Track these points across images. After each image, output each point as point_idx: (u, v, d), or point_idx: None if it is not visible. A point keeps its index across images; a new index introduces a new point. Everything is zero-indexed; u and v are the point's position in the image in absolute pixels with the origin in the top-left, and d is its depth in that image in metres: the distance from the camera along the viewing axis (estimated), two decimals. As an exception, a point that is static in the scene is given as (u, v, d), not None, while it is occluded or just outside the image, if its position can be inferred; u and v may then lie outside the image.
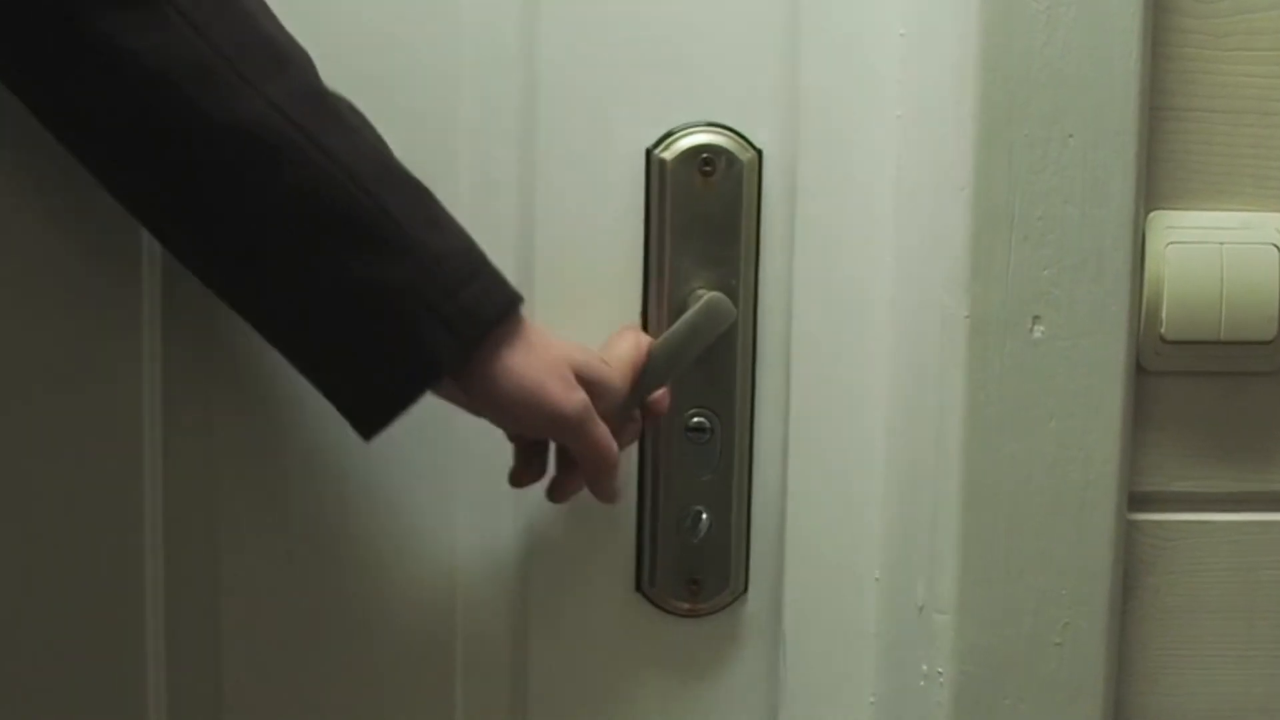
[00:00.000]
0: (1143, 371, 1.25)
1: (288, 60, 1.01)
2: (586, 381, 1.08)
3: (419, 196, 1.02)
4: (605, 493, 1.11)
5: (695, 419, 1.17)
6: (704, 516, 1.19)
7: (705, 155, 1.16)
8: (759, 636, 1.25)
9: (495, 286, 1.02)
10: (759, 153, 1.22)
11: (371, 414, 1.02)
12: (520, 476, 1.11)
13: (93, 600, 1.20)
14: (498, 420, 1.07)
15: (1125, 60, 1.20)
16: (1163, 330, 1.24)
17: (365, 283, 0.97)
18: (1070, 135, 1.20)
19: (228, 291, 1.03)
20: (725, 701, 1.25)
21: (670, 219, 1.17)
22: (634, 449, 1.20)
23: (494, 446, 1.14)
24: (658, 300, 1.19)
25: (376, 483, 1.17)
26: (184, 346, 1.20)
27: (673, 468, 1.18)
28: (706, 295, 1.17)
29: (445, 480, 1.22)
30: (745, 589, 1.25)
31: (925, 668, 1.26)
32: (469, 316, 0.99)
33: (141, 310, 1.21)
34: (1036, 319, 1.22)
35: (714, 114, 1.20)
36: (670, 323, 1.17)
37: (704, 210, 1.17)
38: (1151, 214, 1.24)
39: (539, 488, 1.17)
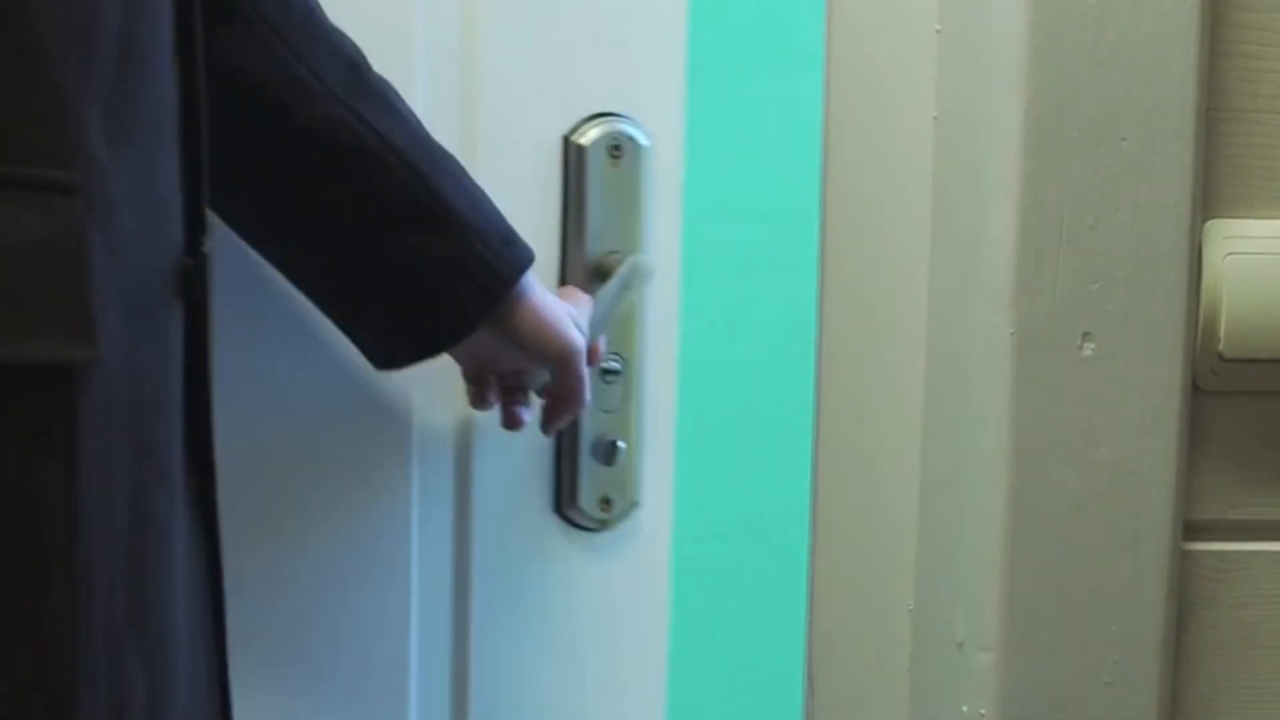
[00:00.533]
0: (1199, 391, 1.18)
1: (352, 63, 1.16)
2: None
3: (458, 174, 1.18)
4: (558, 426, 1.28)
5: (605, 364, 1.35)
6: (619, 445, 1.36)
7: (614, 142, 1.32)
8: (652, 539, 1.41)
9: (518, 249, 1.19)
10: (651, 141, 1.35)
11: (401, 361, 1.21)
12: (480, 402, 1.27)
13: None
14: (514, 350, 1.22)
15: (1182, 58, 1.13)
16: (1220, 347, 1.17)
17: (422, 258, 1.16)
18: (1123, 139, 1.14)
19: (290, 266, 1.20)
20: (626, 590, 1.41)
21: (585, 197, 1.33)
22: None
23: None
24: (574, 267, 1.33)
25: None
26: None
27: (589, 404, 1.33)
28: (631, 257, 1.32)
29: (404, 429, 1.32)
30: (638, 500, 1.39)
31: (966, 709, 1.19)
32: (500, 278, 1.17)
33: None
34: (1086, 336, 1.15)
35: (622, 105, 1.33)
36: (585, 287, 1.32)
37: (614, 189, 1.34)
38: (1209, 223, 1.17)
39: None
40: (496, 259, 1.16)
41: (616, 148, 1.32)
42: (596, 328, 1.28)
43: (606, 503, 1.37)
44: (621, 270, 1.31)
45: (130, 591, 0.94)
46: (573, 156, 1.32)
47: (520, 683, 1.38)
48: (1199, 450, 1.19)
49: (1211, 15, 1.14)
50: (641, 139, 1.32)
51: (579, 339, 1.21)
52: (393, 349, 1.20)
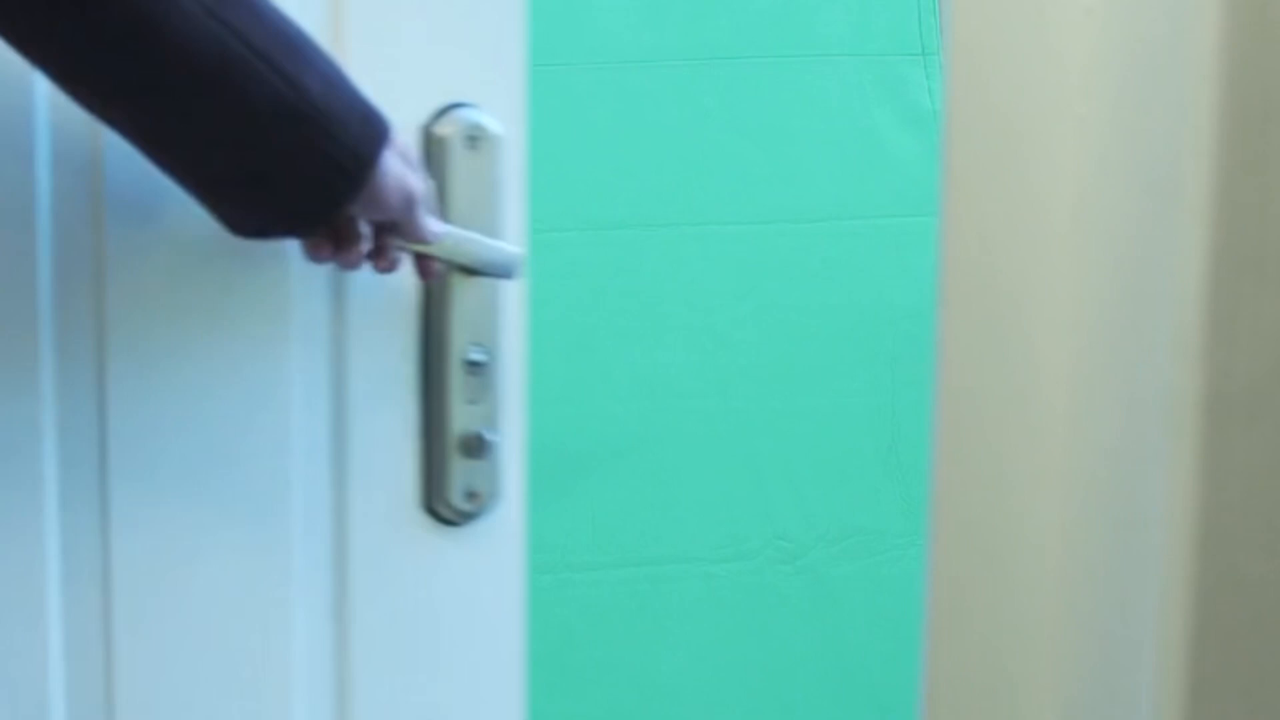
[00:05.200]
0: None
1: None
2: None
3: (313, 58, 1.25)
4: (390, 266, 1.37)
5: (472, 355, 1.41)
6: (486, 437, 1.41)
7: (471, 133, 1.40)
8: (512, 531, 1.46)
9: (375, 124, 1.27)
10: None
11: (260, 234, 1.29)
12: (320, 252, 1.34)
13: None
14: (362, 209, 1.31)
15: None
16: None
17: (288, 152, 1.24)
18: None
19: (147, 150, 1.25)
20: (490, 582, 1.47)
21: (444, 184, 1.40)
22: (417, 381, 1.43)
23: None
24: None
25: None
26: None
27: (454, 397, 1.42)
28: (517, 251, 1.41)
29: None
30: (501, 492, 1.45)
31: None
32: (360, 159, 1.26)
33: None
34: (1295, 396, 0.92)
35: (473, 95, 1.41)
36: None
37: (471, 178, 1.41)
38: None
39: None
40: (357, 142, 1.25)
41: (473, 138, 1.40)
42: (438, 242, 1.36)
43: (473, 496, 1.41)
44: (499, 245, 1.39)
45: None
46: (433, 147, 1.39)
47: (397, 678, 1.42)
48: None
49: None
50: (495, 128, 1.40)
51: (420, 187, 1.30)
52: (251, 224, 1.28)
